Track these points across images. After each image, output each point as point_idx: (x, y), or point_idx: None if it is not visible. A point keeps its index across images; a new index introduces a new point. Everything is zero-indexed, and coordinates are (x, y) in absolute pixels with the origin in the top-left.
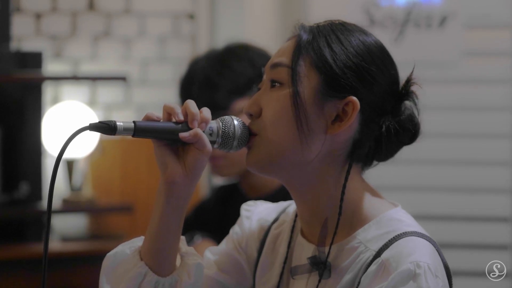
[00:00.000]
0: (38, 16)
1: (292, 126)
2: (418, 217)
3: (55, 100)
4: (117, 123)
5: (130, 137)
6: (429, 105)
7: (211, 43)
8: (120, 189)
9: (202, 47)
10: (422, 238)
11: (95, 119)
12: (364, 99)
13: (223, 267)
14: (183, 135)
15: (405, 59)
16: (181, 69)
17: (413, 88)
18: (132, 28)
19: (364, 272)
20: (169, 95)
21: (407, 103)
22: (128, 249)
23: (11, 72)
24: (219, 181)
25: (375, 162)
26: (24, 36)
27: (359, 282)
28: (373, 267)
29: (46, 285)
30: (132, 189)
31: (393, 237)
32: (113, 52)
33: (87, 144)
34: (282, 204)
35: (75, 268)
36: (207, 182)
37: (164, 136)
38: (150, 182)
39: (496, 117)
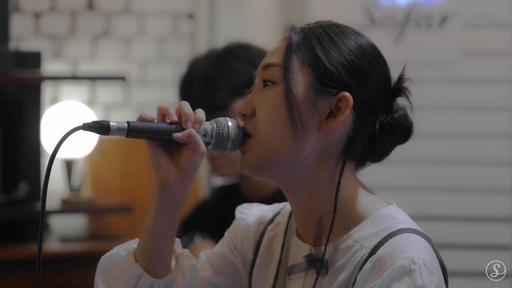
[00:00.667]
0: (37, 15)
1: (286, 123)
2: (418, 218)
3: (54, 100)
4: (111, 123)
5: (128, 138)
6: (429, 105)
7: (211, 43)
8: (119, 189)
9: (202, 47)
10: (417, 235)
11: (94, 119)
12: (357, 95)
13: (218, 269)
14: (176, 135)
15: (405, 59)
16: (181, 69)
17: (406, 84)
18: (132, 28)
19: (359, 270)
20: (169, 95)
21: (400, 102)
22: (123, 251)
23: (10, 72)
24: (219, 181)
25: (369, 163)
26: (23, 35)
27: (355, 280)
28: (368, 264)
29: (40, 286)
30: (132, 189)
31: (388, 234)
32: (113, 52)
33: (86, 144)
34: (277, 206)
35: (74, 269)
36: (207, 182)
37: (157, 136)
38: (150, 182)
39: (497, 117)
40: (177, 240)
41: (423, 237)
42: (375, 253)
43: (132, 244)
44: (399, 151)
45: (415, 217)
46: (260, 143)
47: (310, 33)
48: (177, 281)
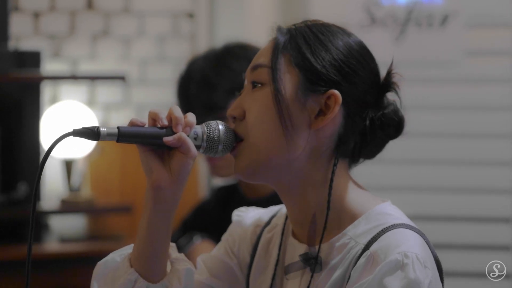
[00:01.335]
0: (36, 15)
1: (276, 124)
2: (418, 218)
3: (54, 100)
4: (101, 129)
5: (119, 143)
6: (430, 104)
7: (211, 43)
8: (119, 190)
9: (202, 47)
10: (411, 230)
11: (93, 119)
12: (346, 92)
13: (215, 272)
14: (167, 139)
15: (406, 58)
16: (181, 69)
17: (395, 80)
18: (131, 28)
19: (353, 266)
20: (169, 95)
21: (391, 98)
22: (118, 256)
23: (9, 72)
24: (218, 182)
25: (362, 160)
26: (22, 35)
27: (349, 277)
28: (362, 260)
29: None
30: (131, 190)
31: (382, 230)
32: (112, 52)
33: (85, 145)
34: (273, 208)
35: (74, 269)
36: (207, 183)
37: (148, 141)
38: None
39: (498, 117)
40: (173, 245)
41: (417, 232)
42: (368, 249)
43: (128, 249)
44: (400, 151)
45: (415, 217)
46: (252, 146)
47: (297, 33)
48: (173, 285)
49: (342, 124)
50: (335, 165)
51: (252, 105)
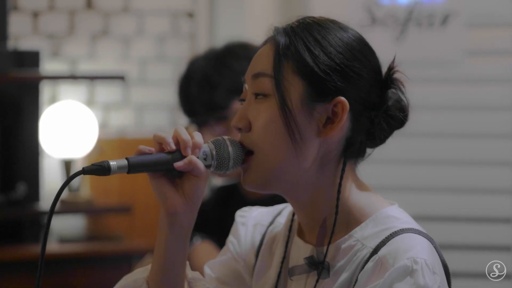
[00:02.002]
0: (35, 14)
1: (284, 137)
2: (419, 218)
3: (53, 100)
4: (111, 163)
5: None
6: (431, 104)
7: (211, 42)
8: (118, 190)
9: (202, 46)
10: (420, 235)
11: (93, 119)
12: (351, 96)
13: (223, 279)
14: (177, 164)
15: (406, 58)
16: (180, 68)
17: (397, 75)
18: (131, 27)
19: (361, 270)
20: (168, 95)
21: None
22: (133, 282)
23: (8, 71)
24: (218, 181)
25: (368, 151)
26: (21, 35)
27: (356, 280)
28: (370, 264)
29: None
30: (131, 190)
31: (390, 234)
32: (112, 51)
33: (85, 145)
34: (277, 207)
35: (73, 270)
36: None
37: (159, 168)
38: (149, 182)
39: (499, 116)
40: (187, 264)
41: (425, 237)
42: (376, 253)
43: (141, 273)
44: (400, 151)
45: (415, 218)
46: (262, 160)
47: (296, 38)
48: None
49: (350, 128)
50: (343, 169)
51: (258, 116)
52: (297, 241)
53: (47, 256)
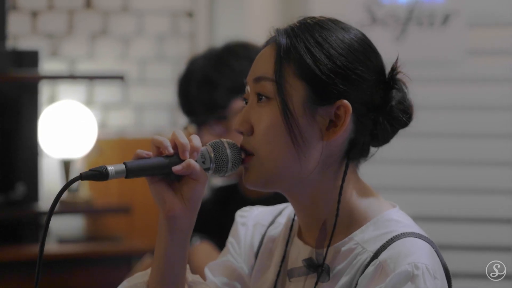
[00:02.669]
0: (34, 14)
1: (287, 140)
2: (419, 218)
3: (52, 100)
4: (108, 168)
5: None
6: (431, 104)
7: (210, 42)
8: (117, 190)
9: (201, 46)
10: (421, 239)
11: (92, 119)
12: (354, 99)
13: (224, 281)
14: (176, 168)
15: (407, 58)
16: (180, 68)
17: (400, 76)
18: (130, 27)
19: (361, 274)
20: (168, 94)
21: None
22: (134, 286)
23: (7, 71)
24: (218, 181)
25: (371, 151)
26: (20, 34)
27: (356, 284)
28: (370, 268)
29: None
30: (130, 190)
31: (391, 238)
32: (111, 51)
33: (84, 145)
34: (278, 207)
35: (72, 270)
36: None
37: (157, 172)
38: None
39: (499, 116)
40: (187, 267)
41: (426, 241)
42: (377, 257)
43: (141, 277)
44: (400, 151)
45: (415, 218)
46: (263, 162)
47: (297, 40)
48: None
49: (353, 130)
50: (345, 172)
51: (260, 120)
52: (296, 242)
53: (46, 256)
